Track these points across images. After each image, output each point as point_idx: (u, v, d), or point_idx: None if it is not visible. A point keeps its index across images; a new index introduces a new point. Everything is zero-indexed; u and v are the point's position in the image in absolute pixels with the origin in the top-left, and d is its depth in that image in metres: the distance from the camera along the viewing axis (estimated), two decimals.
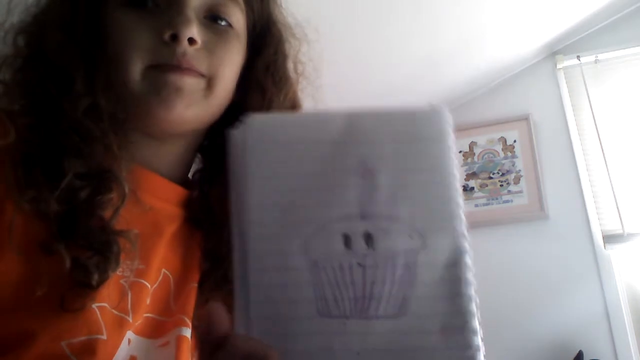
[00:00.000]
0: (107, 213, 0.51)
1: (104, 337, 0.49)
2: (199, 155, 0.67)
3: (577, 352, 2.22)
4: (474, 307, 0.40)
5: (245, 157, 0.41)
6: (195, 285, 0.61)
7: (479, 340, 0.39)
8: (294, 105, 0.64)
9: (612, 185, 2.45)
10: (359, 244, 0.40)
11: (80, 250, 0.49)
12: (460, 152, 2.76)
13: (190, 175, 0.67)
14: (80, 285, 0.48)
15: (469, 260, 0.41)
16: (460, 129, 2.77)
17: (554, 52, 2.73)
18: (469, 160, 2.73)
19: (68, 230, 0.49)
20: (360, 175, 0.41)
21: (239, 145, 0.42)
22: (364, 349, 0.39)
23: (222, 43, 0.57)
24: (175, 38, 0.53)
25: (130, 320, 0.52)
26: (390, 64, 2.34)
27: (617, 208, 2.41)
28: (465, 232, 0.41)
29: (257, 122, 0.43)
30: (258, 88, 0.62)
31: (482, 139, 2.73)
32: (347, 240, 0.40)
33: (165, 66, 0.53)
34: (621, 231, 2.40)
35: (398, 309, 0.39)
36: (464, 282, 0.40)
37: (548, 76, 2.72)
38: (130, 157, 0.54)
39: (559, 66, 2.70)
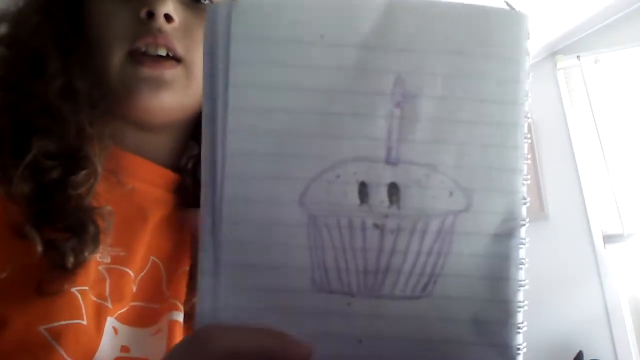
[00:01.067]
0: (81, 193, 0.50)
1: (84, 322, 0.47)
2: (195, 143, 0.66)
3: (577, 352, 2.22)
4: (520, 297, 0.32)
5: (228, 49, 0.29)
6: (187, 269, 0.60)
7: (521, 339, 0.32)
8: None
9: (612, 185, 2.45)
10: (380, 197, 0.29)
11: (57, 232, 0.48)
12: None
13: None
14: (55, 268, 0.46)
15: (523, 233, 0.32)
16: None
17: (554, 52, 2.73)
18: None
19: (41, 212, 0.48)
20: (395, 101, 0.29)
21: (217, 31, 0.29)
22: (368, 336, 0.29)
23: (201, 23, 0.56)
24: (151, 15, 0.52)
25: (110, 307, 0.50)
26: None
27: (617, 208, 2.41)
28: (526, 195, 0.32)
29: (247, 5, 0.29)
30: None
31: None
32: (363, 191, 0.29)
33: (142, 57, 0.53)
34: (621, 231, 2.40)
35: (421, 289, 0.30)
36: (513, 262, 0.32)
37: (548, 76, 2.72)
38: (109, 139, 0.54)
39: (558, 66, 2.70)
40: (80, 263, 0.47)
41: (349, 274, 0.30)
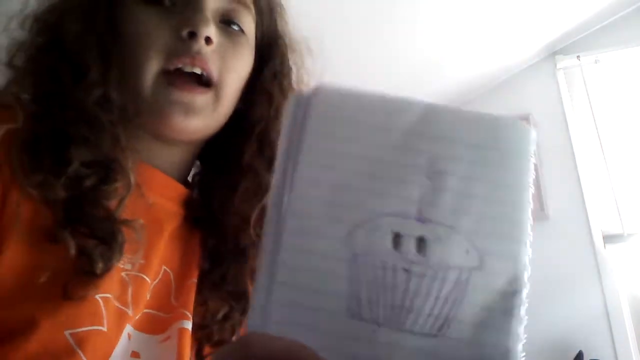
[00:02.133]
0: (112, 203, 0.51)
1: (104, 328, 0.48)
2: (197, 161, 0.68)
3: (577, 352, 2.22)
4: (519, 347, 0.37)
5: (305, 123, 0.38)
6: (194, 281, 0.61)
7: None
8: None
9: (612, 185, 2.45)
10: (410, 247, 0.36)
11: (85, 238, 0.49)
12: None
13: (190, 179, 0.67)
14: (84, 273, 0.47)
15: (524, 295, 0.37)
16: None
17: (554, 52, 2.73)
18: None
19: (73, 218, 0.49)
20: (428, 175, 0.38)
21: (299, 111, 0.38)
22: None
23: (233, 47, 0.58)
24: (192, 35, 0.53)
25: (131, 314, 0.52)
26: (391, 65, 2.34)
27: (617, 208, 2.42)
28: (528, 265, 0.38)
29: (325, 92, 0.39)
30: (265, 95, 0.63)
31: None
32: (397, 240, 0.36)
33: (175, 77, 0.53)
34: (621, 231, 2.40)
35: (437, 329, 0.36)
36: (515, 319, 0.37)
37: (548, 76, 2.73)
38: (136, 152, 0.55)
39: (559, 66, 2.71)
40: (108, 270, 0.49)
41: (378, 307, 0.36)
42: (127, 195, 0.52)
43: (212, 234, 0.63)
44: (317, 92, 0.39)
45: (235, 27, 0.59)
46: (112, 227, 0.50)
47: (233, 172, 0.63)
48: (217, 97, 0.56)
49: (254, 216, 0.61)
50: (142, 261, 0.54)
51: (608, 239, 2.43)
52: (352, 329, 0.35)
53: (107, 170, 0.52)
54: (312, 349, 0.32)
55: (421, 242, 0.36)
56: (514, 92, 2.75)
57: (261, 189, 0.61)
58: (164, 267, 0.58)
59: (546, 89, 2.71)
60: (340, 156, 0.38)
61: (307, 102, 0.38)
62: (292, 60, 0.66)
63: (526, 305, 0.37)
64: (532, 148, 0.40)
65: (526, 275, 0.37)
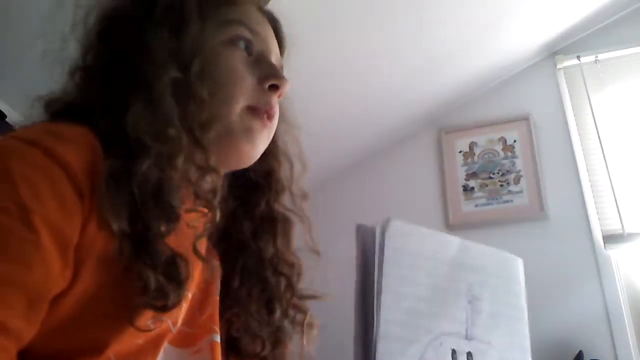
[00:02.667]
0: (166, 237, 0.53)
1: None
2: None
3: (577, 352, 2.22)
4: None
5: (382, 261, 0.47)
6: (217, 298, 0.66)
7: None
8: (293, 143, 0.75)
9: (612, 185, 2.45)
10: (463, 359, 0.47)
11: (154, 272, 0.50)
12: (460, 152, 2.76)
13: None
14: (154, 308, 0.50)
15: None
16: (460, 129, 2.78)
17: (554, 52, 2.73)
18: (469, 160, 2.73)
19: (141, 250, 0.50)
20: (468, 299, 0.49)
21: (375, 246, 0.47)
22: None
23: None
24: (273, 88, 0.64)
25: (173, 331, 0.56)
26: (392, 64, 2.34)
27: (617, 208, 2.41)
28: None
29: (396, 230, 0.48)
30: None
31: (482, 139, 2.73)
32: (453, 355, 0.47)
33: (258, 110, 0.63)
34: (621, 231, 2.40)
35: None
36: None
37: (548, 76, 2.72)
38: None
39: (559, 66, 2.70)
40: (176, 305, 0.51)
41: None
42: (202, 236, 0.58)
43: (228, 257, 0.69)
44: (389, 225, 0.48)
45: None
46: (176, 262, 0.52)
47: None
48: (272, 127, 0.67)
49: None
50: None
51: (608, 239, 2.43)
52: None
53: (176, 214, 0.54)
54: None
55: (469, 356, 0.47)
56: (514, 92, 2.75)
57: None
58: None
59: (546, 89, 2.71)
60: (411, 284, 0.47)
61: (382, 238, 0.47)
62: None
63: None
64: (522, 274, 0.55)
65: None
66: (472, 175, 2.71)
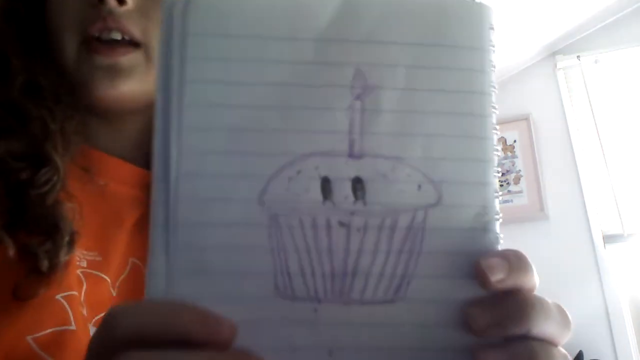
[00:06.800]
0: (45, 193, 0.48)
1: (73, 327, 0.45)
2: None
3: (577, 352, 2.22)
4: None
5: (184, 45, 0.28)
6: None
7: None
8: None
9: (612, 185, 2.45)
10: (344, 193, 0.27)
11: (32, 236, 0.46)
12: None
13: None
14: (31, 272, 0.44)
15: (498, 228, 0.29)
16: None
17: (554, 52, 2.73)
18: None
19: (13, 216, 0.46)
20: (355, 93, 0.28)
21: (173, 27, 0.28)
22: (339, 348, 0.27)
23: (158, 5, 0.56)
24: None
25: (85, 314, 0.49)
26: None
27: (617, 208, 2.41)
28: (498, 189, 0.30)
29: None
30: None
31: None
32: (326, 187, 0.27)
33: (96, 44, 0.50)
34: (621, 231, 2.40)
35: (393, 292, 0.28)
36: None
37: (548, 76, 2.72)
38: (80, 138, 0.53)
39: (558, 66, 2.70)
40: (54, 266, 0.45)
41: (315, 279, 0.27)
42: (58, 182, 0.48)
43: None
44: None
45: None
46: (50, 218, 0.47)
47: None
48: (146, 57, 0.52)
49: None
50: (98, 258, 0.52)
51: (608, 239, 2.43)
52: (286, 313, 0.27)
53: (39, 159, 0.49)
54: (198, 310, 0.24)
55: (358, 185, 0.28)
56: (514, 92, 2.74)
57: None
58: (131, 259, 0.55)
59: (546, 89, 2.71)
60: (236, 87, 0.28)
61: (183, 12, 0.28)
62: None
63: (501, 242, 0.29)
64: (491, 33, 0.32)
65: (497, 204, 0.29)
66: None
